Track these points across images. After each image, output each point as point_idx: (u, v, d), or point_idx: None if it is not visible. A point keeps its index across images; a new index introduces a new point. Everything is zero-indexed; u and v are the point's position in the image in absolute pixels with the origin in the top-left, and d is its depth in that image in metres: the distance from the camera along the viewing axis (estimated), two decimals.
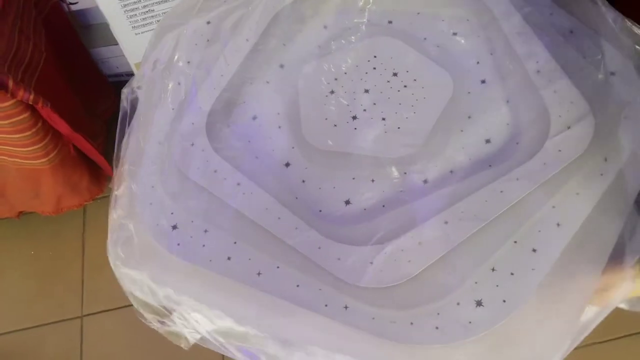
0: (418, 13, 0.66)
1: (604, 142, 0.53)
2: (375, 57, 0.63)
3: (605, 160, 0.53)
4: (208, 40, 0.66)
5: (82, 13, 1.01)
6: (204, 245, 0.53)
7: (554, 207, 0.51)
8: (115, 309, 0.99)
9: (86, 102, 1.01)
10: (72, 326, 0.99)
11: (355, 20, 0.67)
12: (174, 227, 0.54)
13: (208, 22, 0.68)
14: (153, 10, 0.90)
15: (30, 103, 0.76)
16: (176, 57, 0.65)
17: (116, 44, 0.97)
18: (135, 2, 0.88)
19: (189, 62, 0.65)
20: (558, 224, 0.50)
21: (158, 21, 0.90)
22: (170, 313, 0.53)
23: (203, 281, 0.51)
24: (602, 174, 0.52)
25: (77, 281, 1.03)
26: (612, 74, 0.57)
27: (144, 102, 0.64)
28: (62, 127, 0.84)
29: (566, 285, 0.48)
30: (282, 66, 0.64)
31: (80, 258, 1.05)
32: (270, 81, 0.63)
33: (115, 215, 0.56)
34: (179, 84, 0.63)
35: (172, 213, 0.55)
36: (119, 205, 0.57)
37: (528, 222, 0.50)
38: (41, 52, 0.85)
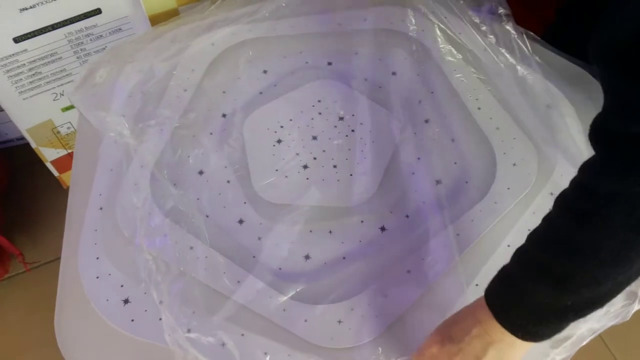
0: (356, 53, 0.66)
1: (549, 176, 0.56)
2: (319, 101, 0.62)
3: (551, 194, 0.55)
4: (142, 93, 0.63)
5: None
6: (160, 319, 0.50)
7: (508, 245, 0.52)
8: None
9: None
10: None
11: (295, 63, 0.66)
12: (126, 302, 0.51)
13: (140, 71, 0.65)
14: (40, 73, 0.80)
15: None
16: (111, 109, 0.61)
17: (2, 110, 0.87)
18: (19, 67, 0.78)
19: (123, 116, 0.62)
20: None
21: (48, 82, 0.82)
22: None
23: (164, 358, 0.48)
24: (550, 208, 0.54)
25: None
26: (549, 107, 0.60)
27: (78, 161, 0.59)
28: None
29: None
30: (224, 115, 0.62)
31: None
32: (213, 132, 0.61)
33: (61, 292, 0.52)
34: (115, 141, 0.60)
35: (121, 286, 0.52)
36: (63, 281, 0.53)
37: (487, 264, 0.51)
38: None
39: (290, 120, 0.61)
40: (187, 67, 0.64)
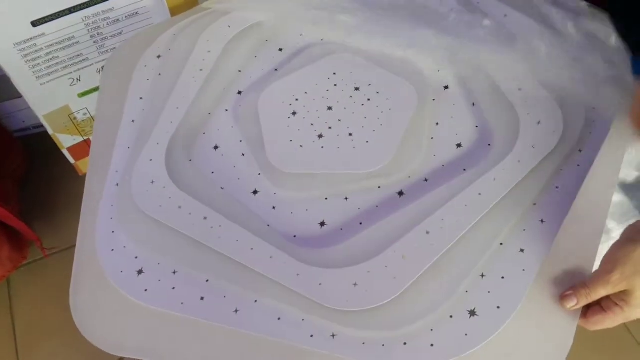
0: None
1: (575, 133, 0.53)
2: (334, 74, 0.61)
3: (580, 151, 0.52)
4: (160, 75, 0.64)
5: None
6: (173, 288, 0.49)
7: (535, 204, 0.49)
8: None
9: None
10: None
11: (311, 40, 0.65)
12: (140, 272, 0.50)
13: (158, 56, 0.66)
14: (58, 57, 0.81)
15: None
16: (128, 93, 0.62)
17: (20, 96, 0.86)
18: (36, 51, 0.78)
19: (141, 98, 0.62)
20: (542, 221, 0.48)
21: (65, 67, 0.83)
22: None
23: (177, 326, 0.47)
24: (579, 165, 0.51)
25: None
26: (575, 60, 0.57)
27: (97, 141, 0.60)
28: None
29: (559, 282, 0.46)
30: (240, 93, 0.62)
31: (12, 336, 0.93)
32: (229, 109, 0.61)
33: (76, 267, 0.52)
34: (132, 121, 0.60)
35: (136, 257, 0.51)
36: (80, 256, 0.53)
37: (512, 222, 0.48)
38: None
39: (306, 93, 0.60)
40: (204, 49, 0.65)
